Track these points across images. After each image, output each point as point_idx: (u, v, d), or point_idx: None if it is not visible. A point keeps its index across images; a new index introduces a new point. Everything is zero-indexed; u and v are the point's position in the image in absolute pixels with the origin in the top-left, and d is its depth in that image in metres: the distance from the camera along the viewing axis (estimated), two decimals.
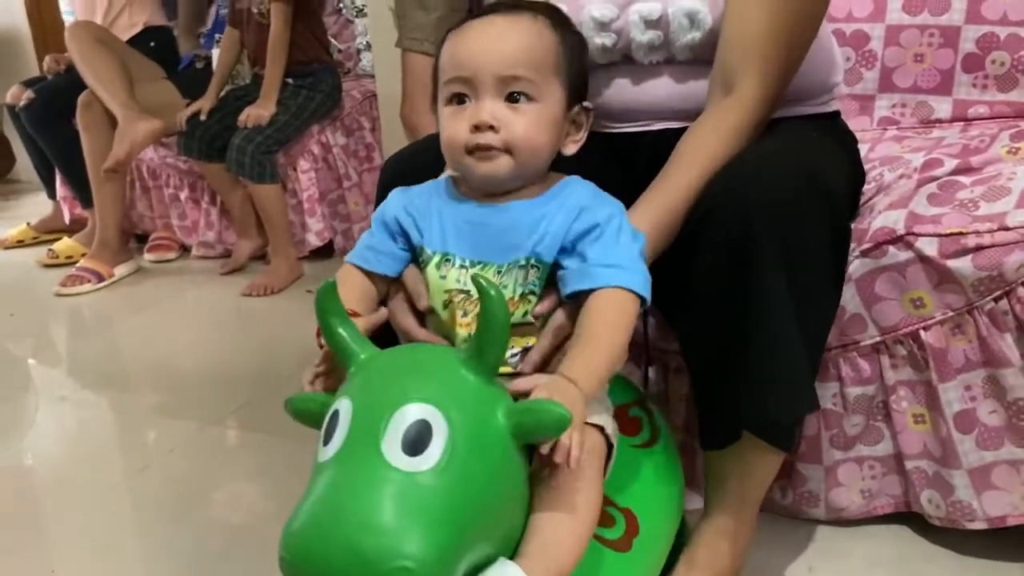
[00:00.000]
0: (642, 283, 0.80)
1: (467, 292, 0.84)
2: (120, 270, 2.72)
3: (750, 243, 0.84)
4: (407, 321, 0.88)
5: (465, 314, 0.84)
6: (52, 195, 3.15)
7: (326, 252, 2.73)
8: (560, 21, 0.88)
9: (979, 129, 1.39)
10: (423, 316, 0.89)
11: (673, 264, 0.92)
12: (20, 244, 3.18)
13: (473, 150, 0.82)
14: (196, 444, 1.62)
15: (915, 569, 1.12)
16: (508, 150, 0.82)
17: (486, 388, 0.69)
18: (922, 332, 1.07)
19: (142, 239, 3.04)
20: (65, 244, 2.94)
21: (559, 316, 0.82)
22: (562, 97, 0.85)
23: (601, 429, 0.81)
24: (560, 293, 0.82)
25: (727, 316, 0.88)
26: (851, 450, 1.16)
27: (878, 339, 1.10)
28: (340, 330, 0.73)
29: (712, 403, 0.96)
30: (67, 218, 3.12)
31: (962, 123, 1.47)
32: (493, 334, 0.67)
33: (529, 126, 0.82)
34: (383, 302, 0.91)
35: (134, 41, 2.80)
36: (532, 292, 0.83)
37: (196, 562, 1.25)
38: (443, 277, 0.85)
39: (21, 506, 1.46)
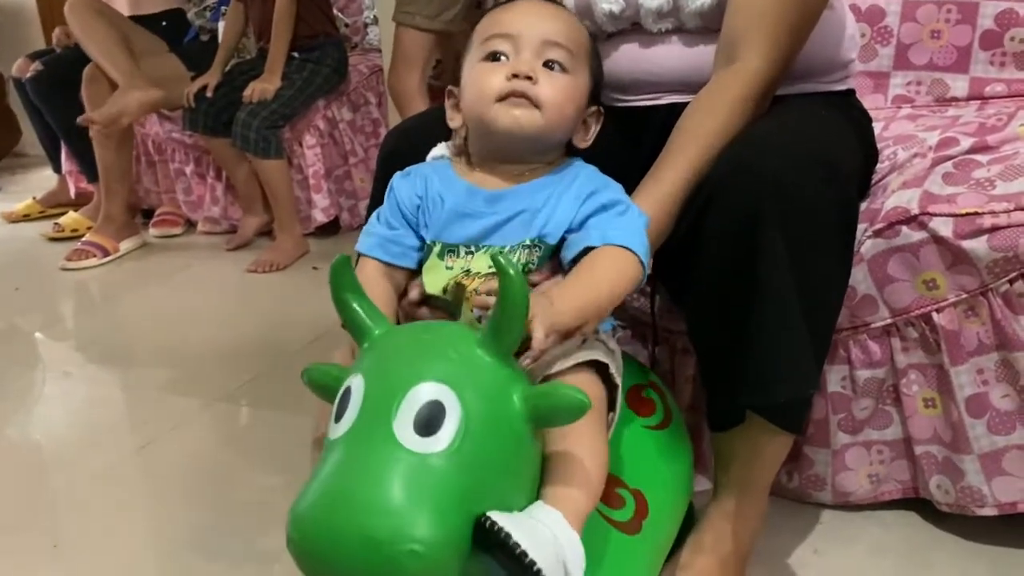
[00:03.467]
0: (643, 250, 0.80)
1: (467, 272, 0.83)
2: (125, 245, 2.71)
3: (756, 224, 0.83)
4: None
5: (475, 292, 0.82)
6: (58, 169, 3.14)
7: (332, 228, 2.72)
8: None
9: (996, 107, 1.36)
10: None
11: (680, 244, 0.91)
12: (26, 218, 3.18)
13: (506, 96, 0.82)
14: (201, 420, 1.62)
15: (922, 555, 1.11)
16: (538, 104, 0.82)
17: (502, 369, 0.67)
18: (934, 314, 1.05)
19: (148, 214, 3.03)
20: (71, 218, 2.93)
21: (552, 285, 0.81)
22: (587, 87, 0.88)
23: (606, 368, 0.81)
24: (556, 268, 0.83)
25: (732, 296, 0.87)
26: (859, 434, 1.14)
27: (889, 321, 1.08)
28: (355, 304, 0.71)
29: (717, 383, 0.95)
30: (72, 192, 3.11)
31: (978, 101, 1.44)
32: (512, 314, 0.66)
33: (561, 91, 0.84)
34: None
35: (147, 20, 2.78)
36: (531, 270, 0.83)
37: (201, 538, 1.25)
38: (449, 267, 0.84)
39: (25, 481, 1.46)
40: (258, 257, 2.50)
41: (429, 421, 0.62)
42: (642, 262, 0.80)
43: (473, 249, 0.84)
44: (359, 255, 0.88)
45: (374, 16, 3.03)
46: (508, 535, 0.62)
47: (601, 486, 0.75)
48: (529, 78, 0.82)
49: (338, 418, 0.65)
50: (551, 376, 0.79)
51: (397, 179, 0.89)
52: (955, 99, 1.46)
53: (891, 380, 1.11)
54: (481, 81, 0.83)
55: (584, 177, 0.84)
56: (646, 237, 0.82)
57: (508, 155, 0.86)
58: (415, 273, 0.88)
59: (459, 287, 0.83)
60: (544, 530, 0.65)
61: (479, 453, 0.63)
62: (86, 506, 1.36)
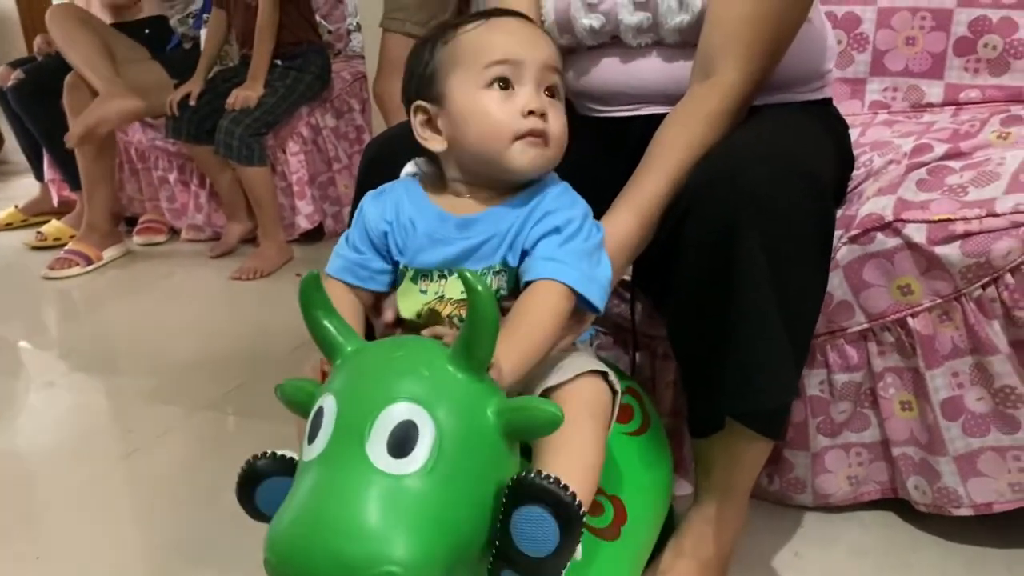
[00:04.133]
0: (576, 277, 0.79)
1: (441, 297, 0.84)
2: (109, 253, 2.71)
3: (734, 233, 0.84)
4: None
5: (450, 319, 0.83)
6: (40, 177, 3.13)
7: (316, 235, 2.72)
8: None
9: (970, 113, 1.38)
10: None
11: (659, 252, 0.92)
12: (8, 227, 3.17)
13: (526, 135, 0.81)
14: (185, 428, 1.62)
15: (901, 555, 1.12)
16: (548, 143, 0.82)
17: (475, 385, 0.67)
18: (910, 319, 1.07)
19: (132, 221, 3.02)
20: (53, 227, 2.92)
21: None
22: None
23: (605, 375, 0.83)
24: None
25: (711, 305, 0.87)
26: (838, 437, 1.15)
27: (865, 326, 1.09)
28: (325, 322, 0.71)
29: (697, 391, 0.96)
30: (55, 200, 3.10)
31: (953, 107, 1.46)
32: (482, 330, 0.66)
33: (563, 123, 0.84)
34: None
35: (129, 27, 2.77)
36: (501, 297, 0.83)
37: (186, 546, 1.25)
38: (423, 291, 0.85)
39: (7, 492, 1.45)
40: (242, 264, 2.50)
41: (402, 442, 0.62)
42: (577, 291, 0.79)
43: (446, 273, 0.84)
44: (326, 277, 0.88)
45: (357, 23, 3.03)
46: (548, 475, 0.63)
47: (592, 487, 0.76)
48: (544, 115, 0.81)
49: (311, 439, 0.65)
50: (554, 388, 0.81)
51: (367, 201, 0.89)
52: (930, 105, 1.48)
53: (868, 384, 1.13)
54: (495, 115, 0.81)
55: (549, 197, 0.83)
56: (592, 260, 0.81)
57: (492, 183, 0.85)
58: (384, 294, 0.88)
59: (433, 312, 0.84)
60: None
61: (455, 471, 0.63)
62: (70, 515, 1.36)
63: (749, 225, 0.83)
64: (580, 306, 0.82)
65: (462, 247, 0.83)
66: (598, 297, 0.81)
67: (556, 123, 0.83)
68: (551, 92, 0.84)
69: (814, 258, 0.90)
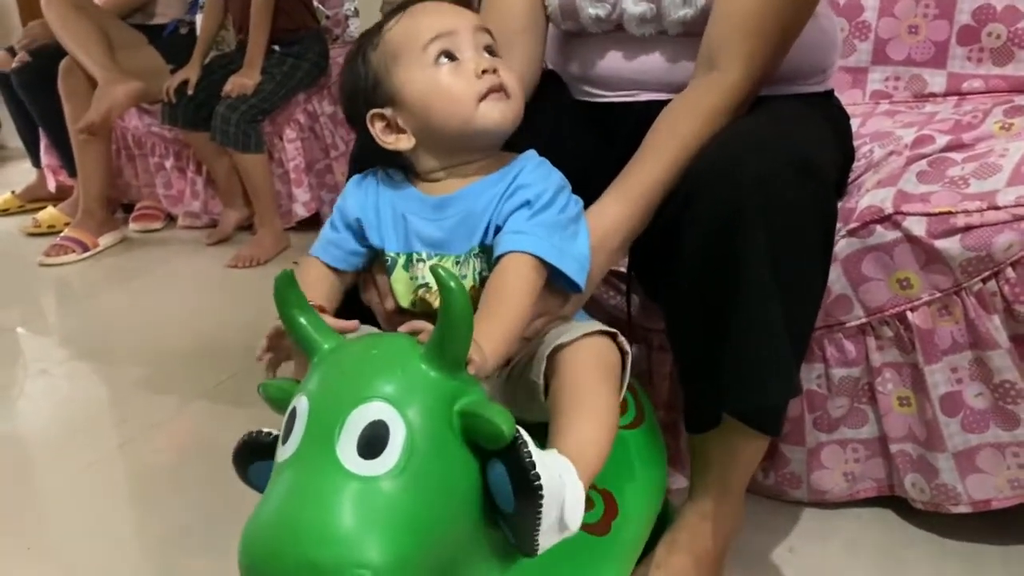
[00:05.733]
0: (545, 248, 0.78)
1: (428, 286, 0.83)
2: (105, 240, 2.69)
3: (735, 226, 0.83)
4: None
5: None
6: (37, 163, 3.11)
7: (313, 223, 2.70)
8: None
9: (972, 104, 1.36)
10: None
11: (657, 241, 0.91)
12: (5, 212, 3.15)
13: (488, 93, 0.81)
14: (179, 418, 1.61)
15: (897, 553, 1.11)
16: (509, 96, 0.83)
17: (448, 383, 0.66)
18: (909, 313, 1.05)
19: (128, 208, 3.01)
20: (48, 213, 2.90)
21: None
22: None
23: (614, 336, 0.82)
24: None
25: (712, 298, 0.86)
26: (835, 432, 1.14)
27: (864, 320, 1.08)
28: (302, 320, 0.70)
29: (696, 387, 0.95)
30: (52, 186, 3.08)
31: (956, 97, 1.44)
32: (454, 327, 0.65)
33: (513, 74, 0.84)
34: (348, 292, 0.90)
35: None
36: (486, 277, 0.82)
37: (177, 538, 1.24)
38: (413, 278, 0.84)
39: (1, 479, 1.45)
40: (238, 252, 2.49)
41: (372, 442, 0.61)
42: (548, 262, 0.79)
43: (425, 257, 0.84)
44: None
45: (355, 8, 3.01)
46: (530, 452, 0.63)
47: (609, 448, 0.76)
48: (495, 71, 0.82)
49: (285, 439, 0.65)
50: (563, 346, 0.80)
51: (351, 185, 0.89)
52: (933, 95, 1.46)
53: (866, 379, 1.11)
54: (453, 87, 0.81)
55: (524, 172, 0.83)
56: (562, 231, 0.81)
57: (469, 161, 0.85)
58: (381, 276, 0.88)
59: (424, 303, 0.83)
60: (553, 470, 0.66)
61: (426, 471, 0.62)
62: (62, 505, 1.35)
63: (752, 215, 0.82)
64: (557, 283, 0.82)
65: (442, 229, 0.83)
66: (573, 270, 0.80)
67: (508, 76, 0.83)
68: (490, 51, 0.84)
69: (816, 251, 0.89)
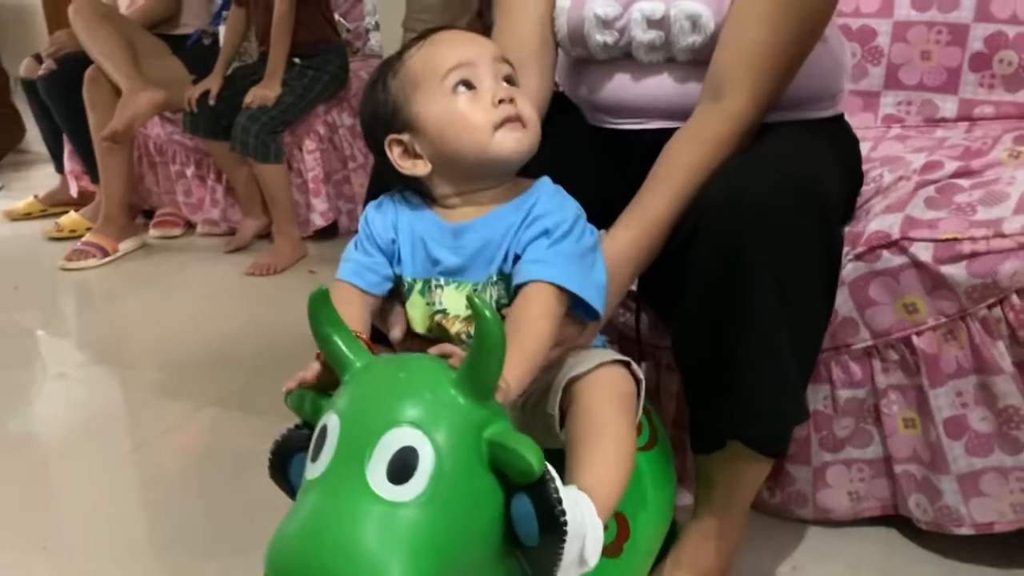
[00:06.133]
0: (566, 277, 0.79)
1: (445, 312, 0.84)
2: (125, 245, 2.73)
3: (739, 257, 0.84)
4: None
5: (458, 336, 0.84)
6: (60, 168, 3.15)
7: (330, 233, 2.73)
8: None
9: (983, 130, 1.38)
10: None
11: (667, 269, 0.92)
12: (27, 216, 3.19)
13: (503, 122, 0.82)
14: (193, 424, 1.64)
15: (900, 572, 1.12)
16: (525, 125, 0.84)
17: (477, 411, 0.67)
18: (914, 337, 1.06)
19: (149, 214, 3.04)
20: (70, 218, 2.94)
21: None
22: None
23: (628, 365, 0.84)
24: None
25: (716, 327, 0.88)
26: (840, 452, 1.15)
27: (870, 343, 1.09)
28: (335, 338, 0.71)
29: (702, 411, 0.97)
30: (75, 191, 3.12)
31: (967, 123, 1.45)
32: (488, 355, 0.65)
33: (530, 103, 0.85)
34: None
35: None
36: (504, 304, 0.83)
37: (189, 542, 1.26)
38: (429, 304, 0.86)
39: (16, 482, 1.47)
40: (256, 260, 2.52)
41: (402, 468, 0.63)
42: (569, 290, 0.79)
43: (444, 284, 0.85)
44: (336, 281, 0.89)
45: (376, 22, 3.04)
46: (557, 488, 0.64)
47: (627, 481, 0.77)
48: (512, 100, 0.83)
49: (315, 457, 0.66)
50: (578, 377, 0.81)
51: (371, 210, 0.90)
52: (944, 120, 1.48)
53: (872, 400, 1.12)
54: (470, 115, 0.82)
55: (540, 201, 0.84)
56: (580, 261, 0.82)
57: (484, 189, 0.86)
58: (389, 300, 0.89)
59: (441, 328, 0.85)
60: (576, 508, 0.67)
61: (452, 498, 0.64)
62: (77, 507, 1.38)
63: (755, 246, 0.84)
64: (576, 312, 0.83)
65: (460, 256, 0.84)
66: (593, 297, 0.81)
67: (525, 105, 0.84)
68: (508, 80, 0.85)
69: (820, 279, 0.90)
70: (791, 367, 0.88)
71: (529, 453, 0.64)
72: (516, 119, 0.83)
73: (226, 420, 1.65)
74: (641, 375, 0.86)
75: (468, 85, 0.83)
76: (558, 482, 0.65)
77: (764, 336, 0.86)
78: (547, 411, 0.82)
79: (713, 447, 0.99)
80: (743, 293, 0.85)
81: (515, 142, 0.83)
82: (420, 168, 0.86)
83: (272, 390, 1.73)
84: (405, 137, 0.86)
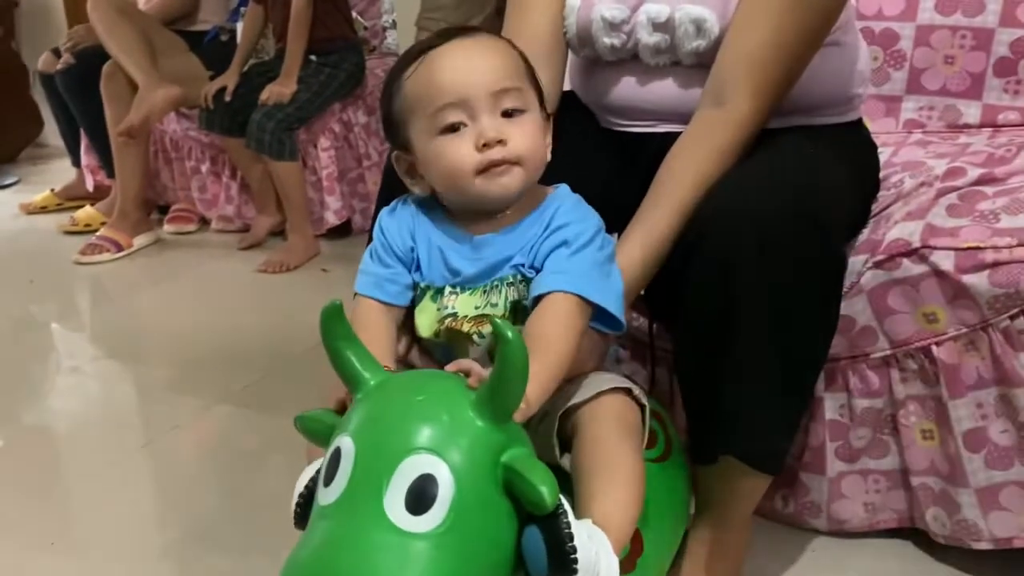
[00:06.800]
0: (587, 287, 0.78)
1: (455, 314, 0.83)
2: (139, 240, 2.74)
3: (733, 273, 0.84)
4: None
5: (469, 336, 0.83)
6: (77, 163, 3.17)
7: (344, 230, 2.73)
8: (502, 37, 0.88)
9: (1007, 136, 1.35)
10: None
11: (671, 280, 0.92)
12: (43, 210, 3.21)
13: (485, 168, 0.79)
14: (204, 420, 1.63)
15: None
16: (517, 162, 0.80)
17: (495, 434, 0.65)
18: (934, 347, 1.05)
19: (164, 209, 3.05)
20: (85, 213, 2.96)
21: None
22: (538, 103, 0.84)
23: (629, 392, 0.83)
24: None
25: (709, 343, 0.88)
26: (856, 462, 1.13)
27: (888, 352, 1.07)
28: (348, 353, 0.70)
29: (695, 423, 0.97)
30: (91, 185, 3.13)
31: (991, 129, 1.43)
32: (510, 379, 0.64)
33: (529, 136, 0.81)
34: None
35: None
36: (524, 306, 0.82)
37: (195, 540, 1.26)
38: (440, 308, 0.84)
39: (26, 477, 1.48)
40: (269, 257, 2.52)
41: (420, 497, 0.61)
42: (592, 301, 0.78)
43: (458, 291, 0.84)
44: (356, 296, 0.87)
45: (393, 20, 3.04)
46: (569, 523, 0.63)
47: (639, 511, 0.76)
48: (500, 141, 0.79)
49: (328, 481, 0.64)
50: (577, 406, 0.80)
51: (384, 217, 0.88)
52: (967, 126, 1.45)
53: (889, 410, 1.11)
54: (450, 158, 0.79)
55: (560, 212, 0.82)
56: (601, 272, 0.81)
57: (501, 207, 0.84)
58: (411, 311, 0.87)
59: (450, 331, 0.83)
60: (589, 543, 0.66)
61: (470, 530, 0.62)
62: (86, 503, 1.38)
63: (750, 264, 0.83)
64: (598, 325, 0.82)
65: (478, 266, 0.83)
66: (615, 307, 0.80)
67: (520, 139, 0.80)
68: (508, 113, 0.80)
69: (818, 298, 0.89)
70: (779, 389, 0.88)
71: (543, 484, 0.63)
72: (500, 163, 0.79)
73: (237, 417, 1.65)
74: (644, 400, 0.84)
75: (455, 128, 0.79)
76: (571, 516, 0.64)
77: (754, 355, 0.86)
78: (547, 438, 0.81)
79: (708, 460, 0.97)
80: (733, 310, 0.84)
81: (500, 187, 0.80)
82: (419, 188, 0.86)
83: (280, 390, 1.75)
84: (407, 156, 0.85)
